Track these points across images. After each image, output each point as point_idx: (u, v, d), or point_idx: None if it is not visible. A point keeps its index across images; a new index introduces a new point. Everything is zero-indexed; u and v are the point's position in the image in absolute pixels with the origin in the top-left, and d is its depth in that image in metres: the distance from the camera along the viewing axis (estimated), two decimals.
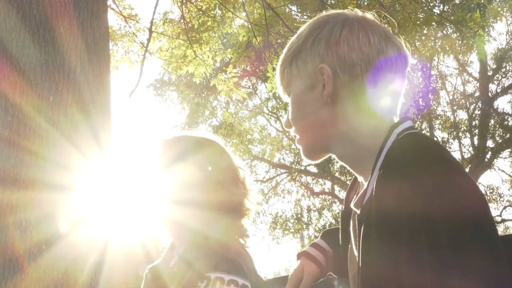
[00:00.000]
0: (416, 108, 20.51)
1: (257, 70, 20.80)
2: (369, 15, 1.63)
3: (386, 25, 1.64)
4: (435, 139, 23.63)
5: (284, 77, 1.65)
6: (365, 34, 1.54)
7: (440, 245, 1.19)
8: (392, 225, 1.27)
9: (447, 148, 23.85)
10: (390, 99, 1.58)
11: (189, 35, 10.59)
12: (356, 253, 1.55)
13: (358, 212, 1.46)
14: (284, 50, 1.67)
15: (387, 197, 1.31)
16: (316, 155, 1.68)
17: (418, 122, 23.10)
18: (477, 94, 24.05)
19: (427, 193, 1.23)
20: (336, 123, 1.55)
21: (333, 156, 1.65)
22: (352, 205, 1.57)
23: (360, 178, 1.61)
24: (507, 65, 24.14)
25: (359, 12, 1.63)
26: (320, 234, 2.04)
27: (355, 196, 1.65)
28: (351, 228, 1.66)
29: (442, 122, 24.47)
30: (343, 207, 1.78)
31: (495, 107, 24.13)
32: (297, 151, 23.31)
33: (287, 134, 21.97)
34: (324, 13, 1.65)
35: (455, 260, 1.17)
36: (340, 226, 1.79)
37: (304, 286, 1.83)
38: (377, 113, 1.54)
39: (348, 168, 1.64)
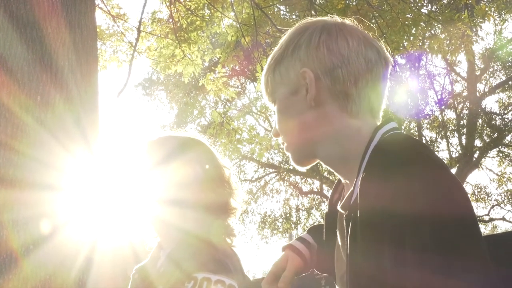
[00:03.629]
0: (404, 108, 20.57)
1: (245, 70, 20.78)
2: (348, 21, 1.66)
3: (372, 28, 1.65)
4: (423, 138, 23.73)
5: (269, 85, 1.68)
6: (343, 38, 1.57)
7: (424, 244, 1.19)
8: (376, 224, 1.28)
9: (434, 147, 23.95)
10: (372, 101, 1.60)
11: (177, 35, 10.58)
12: (343, 254, 1.56)
13: (345, 213, 1.47)
14: (268, 60, 1.70)
15: (371, 196, 1.33)
16: (304, 161, 1.70)
17: (406, 122, 23.17)
18: (465, 93, 24.13)
19: (411, 192, 1.24)
20: (320, 125, 1.57)
21: (320, 161, 1.66)
22: (338, 207, 1.58)
23: (346, 181, 1.62)
24: (494, 64, 24.23)
25: (338, 19, 1.66)
26: (307, 230, 2.04)
27: (341, 198, 1.66)
28: (338, 230, 1.66)
29: (430, 121, 24.54)
30: (328, 209, 1.79)
31: (483, 107, 24.22)
32: None
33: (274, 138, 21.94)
34: (303, 21, 1.68)
35: (439, 258, 1.18)
36: (324, 228, 1.79)
37: (286, 276, 1.81)
38: (359, 114, 1.56)
39: (334, 172, 1.65)
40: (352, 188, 1.48)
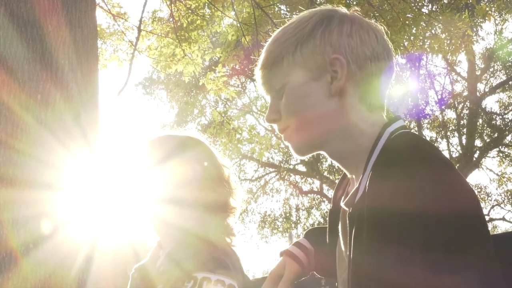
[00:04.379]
0: (404, 107, 20.57)
1: (246, 69, 20.75)
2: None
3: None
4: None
5: (283, 66, 1.58)
6: (373, 32, 1.56)
7: (433, 245, 1.19)
8: (384, 224, 1.27)
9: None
10: (384, 96, 1.60)
11: (178, 34, 10.57)
12: (344, 252, 1.55)
13: (349, 210, 1.46)
14: (279, 39, 1.61)
15: (379, 196, 1.31)
16: (308, 151, 1.64)
17: (406, 122, 23.16)
18: (465, 93, 24.12)
19: (420, 192, 1.23)
20: (338, 116, 1.53)
21: (324, 153, 1.63)
22: (342, 204, 1.56)
23: (351, 176, 1.61)
24: (495, 64, 24.22)
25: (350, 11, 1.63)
26: (304, 233, 2.03)
27: (344, 195, 1.65)
28: (340, 227, 1.65)
29: (430, 121, 24.53)
30: (331, 205, 1.77)
31: (483, 107, 24.21)
32: (286, 150, 23.34)
33: (276, 133, 21.95)
34: (318, 8, 1.63)
35: (447, 259, 1.17)
36: (328, 225, 1.78)
37: (284, 282, 1.81)
38: (376, 108, 1.56)
39: (338, 165, 1.63)
40: (357, 185, 1.47)
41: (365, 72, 1.52)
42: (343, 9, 1.62)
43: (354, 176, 1.59)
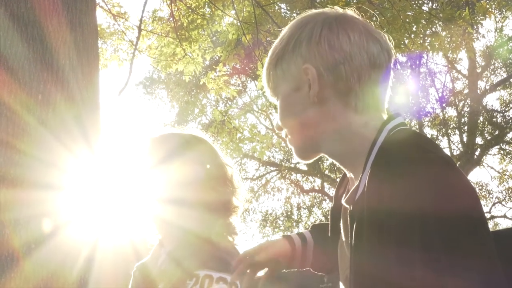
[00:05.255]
0: (405, 106, 20.56)
1: (246, 68, 20.79)
2: (350, 12, 1.64)
3: (370, 21, 1.64)
4: None
5: (271, 80, 1.66)
6: (345, 33, 1.55)
7: (433, 244, 1.19)
8: (384, 222, 1.27)
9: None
10: (377, 95, 1.58)
11: (178, 33, 10.57)
12: (347, 250, 1.55)
13: (350, 208, 1.46)
14: (269, 54, 1.68)
15: (379, 194, 1.31)
16: (308, 155, 1.69)
17: (407, 120, 23.15)
18: (466, 91, 24.10)
19: (420, 191, 1.23)
20: (324, 122, 1.55)
21: (324, 154, 1.65)
22: (343, 202, 1.57)
23: (351, 175, 1.61)
24: (495, 62, 24.22)
25: (339, 10, 1.64)
26: (310, 227, 2.05)
27: (345, 193, 1.65)
28: (341, 224, 1.66)
29: (431, 119, 24.52)
30: (333, 203, 1.78)
31: (484, 104, 24.21)
32: (287, 148, 23.36)
33: (277, 132, 21.92)
34: (304, 14, 1.66)
35: (448, 258, 1.17)
36: (330, 223, 1.78)
37: (267, 255, 1.85)
38: (364, 110, 1.55)
39: (339, 165, 1.64)
40: (357, 183, 1.47)
41: (340, 77, 1.52)
42: (326, 11, 1.64)
43: (353, 175, 1.59)
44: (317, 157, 1.71)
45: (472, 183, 1.38)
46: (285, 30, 1.65)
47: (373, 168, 1.39)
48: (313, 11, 1.65)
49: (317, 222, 2.01)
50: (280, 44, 1.63)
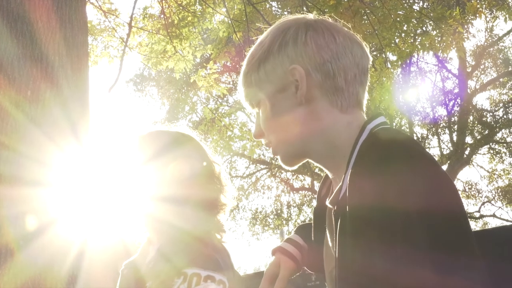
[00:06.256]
0: (395, 105, 20.61)
1: (237, 66, 20.78)
2: (327, 19, 1.66)
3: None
4: (415, 135, 23.79)
5: (252, 85, 1.64)
6: (329, 33, 1.57)
7: (415, 240, 1.19)
8: (366, 220, 1.27)
9: (425, 144, 24.01)
10: (360, 94, 1.60)
11: (169, 31, 10.57)
12: (332, 250, 1.55)
13: (334, 208, 1.46)
14: (246, 60, 1.67)
15: (360, 192, 1.32)
16: (294, 160, 1.68)
17: (397, 119, 23.22)
18: (456, 90, 24.20)
19: (400, 187, 1.23)
20: (310, 122, 1.56)
21: (310, 160, 1.65)
22: (327, 203, 1.57)
23: (334, 177, 1.62)
24: (486, 61, 24.33)
25: (316, 16, 1.65)
26: (295, 229, 2.04)
27: (329, 193, 1.66)
28: (326, 225, 1.66)
29: (421, 118, 24.61)
30: (316, 203, 1.79)
31: (474, 104, 24.30)
32: None
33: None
34: (281, 20, 1.67)
35: (431, 255, 1.17)
36: (313, 222, 1.79)
37: (281, 280, 1.82)
38: (349, 109, 1.56)
39: (324, 169, 1.65)
40: (340, 183, 1.47)
41: (327, 75, 1.54)
42: (305, 16, 1.65)
43: (336, 176, 1.59)
44: (301, 163, 1.71)
45: (458, 183, 1.38)
46: (264, 36, 1.66)
47: (354, 167, 1.40)
48: (291, 16, 1.67)
49: (303, 223, 2.00)
50: (260, 48, 1.63)
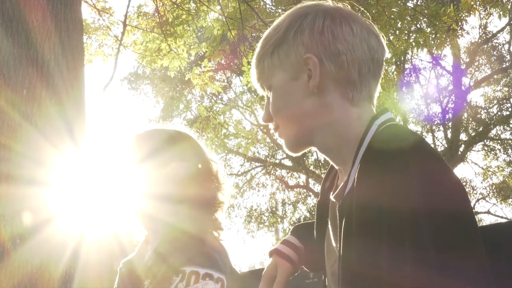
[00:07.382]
0: (390, 102, 20.60)
1: (231, 64, 20.78)
2: (343, 7, 1.63)
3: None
4: None
5: (265, 69, 1.62)
6: (347, 24, 1.55)
7: (423, 241, 1.18)
8: (373, 219, 1.27)
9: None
10: (372, 88, 1.59)
11: (163, 29, 10.55)
12: (334, 245, 1.55)
13: (339, 203, 1.46)
14: (261, 43, 1.65)
15: (368, 190, 1.31)
16: (299, 147, 1.67)
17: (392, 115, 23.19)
18: (450, 87, 24.22)
19: (409, 187, 1.23)
20: (320, 113, 1.55)
21: (314, 148, 1.64)
22: (332, 197, 1.57)
23: (340, 168, 1.61)
24: (480, 58, 24.35)
25: (336, 4, 1.63)
26: (291, 230, 2.03)
27: (334, 187, 1.65)
28: (329, 219, 1.65)
29: (415, 115, 24.62)
30: (319, 196, 1.77)
31: (468, 101, 24.32)
32: (272, 144, 23.39)
33: (262, 127, 21.98)
34: (300, 5, 1.64)
35: (438, 256, 1.17)
36: (316, 216, 1.78)
37: (278, 283, 1.82)
38: (360, 102, 1.55)
39: (327, 158, 1.63)
40: (346, 178, 1.46)
41: (341, 67, 1.52)
42: (323, 3, 1.62)
43: (342, 169, 1.59)
44: (306, 150, 1.70)
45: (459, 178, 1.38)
46: (281, 20, 1.63)
47: (362, 164, 1.39)
48: (310, 2, 1.64)
49: (300, 221, 1.99)
50: (276, 33, 1.61)
